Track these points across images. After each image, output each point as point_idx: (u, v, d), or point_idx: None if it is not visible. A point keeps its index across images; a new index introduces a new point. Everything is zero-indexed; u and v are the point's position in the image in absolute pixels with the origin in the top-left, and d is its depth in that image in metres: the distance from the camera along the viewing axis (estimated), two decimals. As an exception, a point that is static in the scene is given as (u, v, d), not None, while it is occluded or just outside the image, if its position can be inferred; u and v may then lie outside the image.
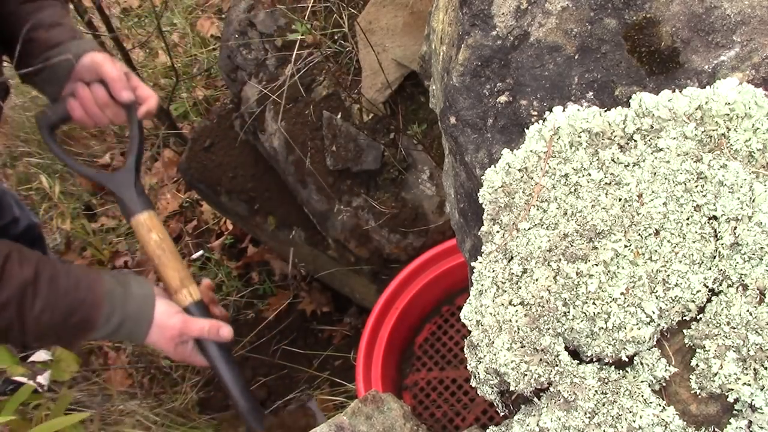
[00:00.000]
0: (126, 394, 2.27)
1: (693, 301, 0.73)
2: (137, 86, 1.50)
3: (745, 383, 0.69)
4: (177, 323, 1.34)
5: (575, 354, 0.79)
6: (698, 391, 0.73)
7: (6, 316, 1.21)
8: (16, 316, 1.22)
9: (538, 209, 0.81)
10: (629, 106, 0.80)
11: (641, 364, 0.75)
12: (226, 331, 1.34)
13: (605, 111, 0.81)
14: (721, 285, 0.73)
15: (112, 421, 2.10)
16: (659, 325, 0.74)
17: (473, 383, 0.85)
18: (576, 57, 0.84)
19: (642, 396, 0.74)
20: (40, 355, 1.15)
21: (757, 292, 0.70)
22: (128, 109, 1.48)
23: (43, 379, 1.14)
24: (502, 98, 0.87)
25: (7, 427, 1.12)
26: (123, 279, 1.34)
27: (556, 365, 0.76)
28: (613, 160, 0.79)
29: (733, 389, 0.69)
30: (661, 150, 0.77)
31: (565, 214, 0.79)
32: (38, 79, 1.51)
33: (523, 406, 0.82)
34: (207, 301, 1.38)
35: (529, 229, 0.81)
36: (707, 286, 0.73)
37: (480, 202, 0.86)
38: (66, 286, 1.28)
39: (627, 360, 0.75)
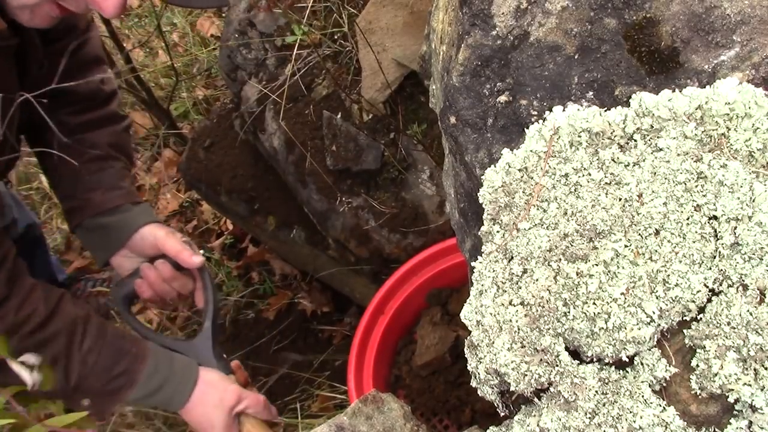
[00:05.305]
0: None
1: (693, 301, 0.73)
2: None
3: (745, 383, 0.69)
4: (235, 388, 1.37)
5: (575, 354, 0.79)
6: (698, 392, 0.72)
7: (55, 347, 1.23)
8: (65, 349, 1.23)
9: (538, 209, 0.81)
10: (629, 105, 0.80)
11: (641, 364, 0.75)
12: (274, 410, 1.42)
13: (605, 111, 0.81)
14: (721, 285, 0.72)
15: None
16: (659, 325, 0.74)
17: (473, 383, 0.85)
18: (576, 57, 0.84)
19: (642, 396, 0.74)
20: (29, 358, 1.16)
21: (757, 292, 0.70)
22: (199, 272, 1.47)
23: (31, 378, 1.15)
24: (502, 98, 0.87)
25: (7, 426, 1.12)
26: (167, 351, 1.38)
27: (557, 365, 0.76)
28: (613, 160, 0.79)
29: (733, 389, 0.69)
30: (661, 150, 0.77)
31: (565, 213, 0.79)
32: (87, 240, 1.53)
33: (523, 407, 0.82)
34: None
35: (529, 229, 0.80)
36: (707, 286, 0.73)
37: (480, 201, 0.86)
38: (114, 334, 1.31)
39: (627, 360, 0.75)
